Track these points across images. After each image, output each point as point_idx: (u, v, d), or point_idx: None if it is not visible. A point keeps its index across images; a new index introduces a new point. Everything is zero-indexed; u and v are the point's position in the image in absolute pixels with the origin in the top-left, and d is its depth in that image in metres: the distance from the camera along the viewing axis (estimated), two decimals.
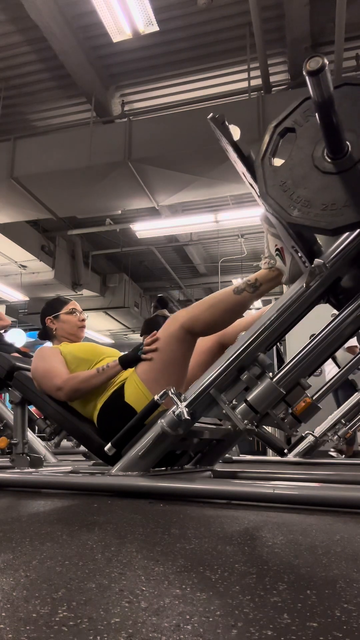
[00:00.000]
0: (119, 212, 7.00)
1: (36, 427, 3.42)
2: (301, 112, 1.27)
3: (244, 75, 5.29)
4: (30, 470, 1.89)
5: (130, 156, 5.16)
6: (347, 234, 1.41)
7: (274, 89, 5.30)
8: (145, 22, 4.62)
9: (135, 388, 1.67)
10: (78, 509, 1.20)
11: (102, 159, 5.26)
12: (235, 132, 1.35)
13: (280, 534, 0.89)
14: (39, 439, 3.17)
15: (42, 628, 0.44)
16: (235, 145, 1.36)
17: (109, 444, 1.54)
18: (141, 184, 5.50)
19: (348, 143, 1.19)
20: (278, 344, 5.53)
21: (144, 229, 7.34)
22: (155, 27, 4.71)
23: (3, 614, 0.48)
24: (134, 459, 1.45)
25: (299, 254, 1.41)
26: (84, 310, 2.17)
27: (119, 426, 1.58)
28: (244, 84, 5.31)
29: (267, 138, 1.29)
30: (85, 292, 9.34)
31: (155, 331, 1.71)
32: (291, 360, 1.46)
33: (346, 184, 1.18)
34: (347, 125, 1.19)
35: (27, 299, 9.29)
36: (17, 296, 9.07)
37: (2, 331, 4.18)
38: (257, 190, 1.30)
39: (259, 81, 5.17)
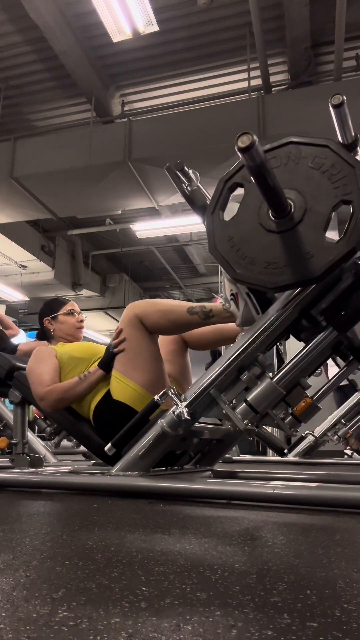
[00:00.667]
0: (119, 212, 6.99)
1: (36, 427, 3.42)
2: None
3: (244, 75, 5.29)
4: (30, 470, 1.89)
5: (130, 156, 5.16)
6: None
7: (274, 89, 5.30)
8: (145, 22, 4.62)
9: (119, 382, 1.70)
10: (78, 509, 1.20)
11: (102, 159, 5.26)
12: (196, 176, 1.38)
13: (280, 534, 0.89)
14: (39, 439, 3.17)
15: (42, 628, 0.44)
16: (187, 196, 1.38)
17: (109, 444, 1.54)
18: (141, 184, 5.50)
19: (291, 203, 1.20)
20: (278, 344, 5.52)
21: (144, 229, 7.34)
22: (155, 27, 4.71)
23: (3, 614, 0.48)
24: (134, 459, 1.45)
25: (253, 301, 1.43)
26: (83, 310, 2.18)
27: (114, 424, 1.59)
28: (244, 84, 5.31)
29: (216, 192, 1.31)
30: (85, 292, 9.34)
31: (119, 327, 1.75)
32: (291, 360, 1.46)
33: (287, 244, 1.20)
34: (291, 185, 1.20)
35: (27, 299, 9.28)
36: (17, 296, 9.07)
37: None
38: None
39: (259, 81, 5.17)
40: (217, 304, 1.65)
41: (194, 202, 1.40)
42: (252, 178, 1.12)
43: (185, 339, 2.00)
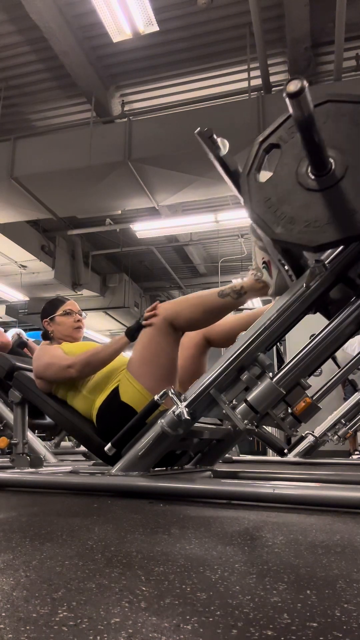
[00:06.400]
0: (119, 212, 6.99)
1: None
2: (286, 128, 1.27)
3: (244, 75, 5.29)
4: (30, 470, 1.89)
5: (130, 156, 5.16)
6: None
7: (274, 89, 5.29)
8: (145, 22, 4.62)
9: (129, 385, 1.69)
10: (78, 509, 1.20)
11: (102, 159, 5.26)
12: (224, 144, 1.36)
13: (280, 534, 0.89)
14: (39, 439, 3.17)
15: (42, 628, 0.44)
16: (221, 160, 1.36)
17: (109, 444, 1.54)
18: (141, 184, 5.50)
19: (331, 160, 1.19)
20: (278, 344, 5.53)
21: (144, 229, 7.34)
22: (155, 27, 4.71)
23: (3, 614, 0.48)
24: (134, 459, 1.45)
25: (286, 268, 1.41)
26: (84, 310, 2.17)
27: (117, 426, 1.58)
28: (244, 84, 5.31)
29: (252, 153, 1.29)
30: (85, 292, 9.34)
31: (157, 301, 1.75)
32: (291, 360, 1.46)
33: (329, 202, 1.18)
34: (331, 143, 1.19)
35: (27, 299, 9.29)
36: (17, 296, 9.07)
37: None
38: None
39: (259, 81, 5.17)
40: (247, 278, 1.62)
41: (227, 166, 1.38)
42: (297, 129, 1.08)
43: (210, 338, 1.93)
